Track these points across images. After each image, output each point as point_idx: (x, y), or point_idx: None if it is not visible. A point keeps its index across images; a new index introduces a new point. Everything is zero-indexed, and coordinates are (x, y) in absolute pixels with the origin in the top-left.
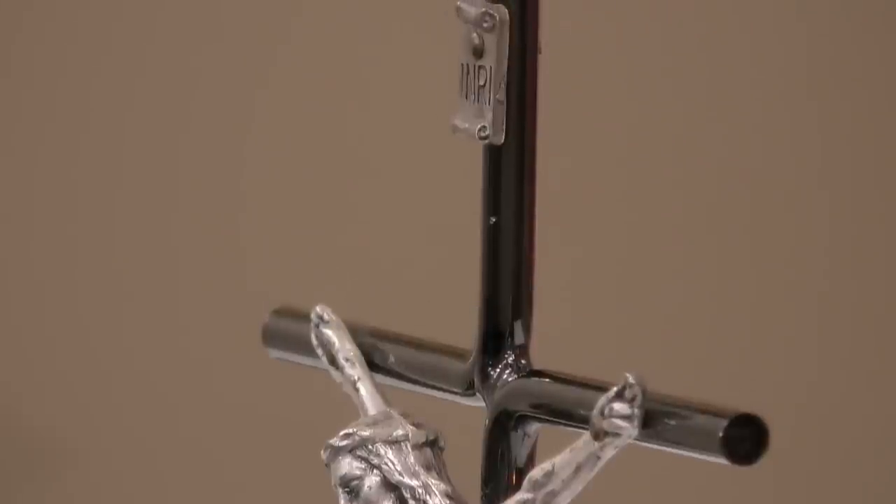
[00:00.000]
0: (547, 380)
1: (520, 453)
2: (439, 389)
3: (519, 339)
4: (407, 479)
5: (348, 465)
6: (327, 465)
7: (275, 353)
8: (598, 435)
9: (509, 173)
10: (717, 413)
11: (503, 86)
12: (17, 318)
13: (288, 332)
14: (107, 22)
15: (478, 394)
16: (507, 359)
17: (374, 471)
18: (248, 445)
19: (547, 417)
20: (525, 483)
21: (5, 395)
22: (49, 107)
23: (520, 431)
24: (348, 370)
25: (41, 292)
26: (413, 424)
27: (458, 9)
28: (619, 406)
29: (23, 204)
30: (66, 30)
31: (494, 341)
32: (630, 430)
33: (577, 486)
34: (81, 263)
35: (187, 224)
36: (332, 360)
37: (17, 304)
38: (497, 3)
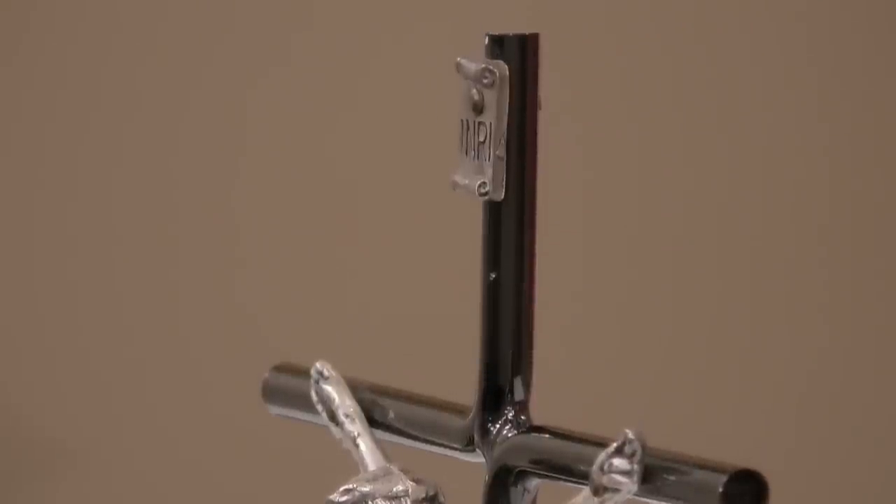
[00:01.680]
0: (547, 435)
1: None
2: (439, 445)
3: (519, 395)
4: None
5: None
6: None
7: (275, 410)
8: (598, 490)
9: (509, 229)
10: (716, 469)
11: (503, 142)
12: (17, 319)
13: (288, 388)
14: (96, 39)
15: (478, 450)
16: (506, 415)
17: None
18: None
19: (547, 473)
20: None
21: (5, 395)
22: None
23: (520, 487)
24: (348, 426)
25: (42, 296)
26: (413, 480)
27: (458, 65)
28: (618, 462)
29: (24, 205)
30: (61, 34)
31: (494, 397)
32: (630, 485)
33: None
34: (82, 275)
35: (189, 282)
36: (332, 416)
37: (17, 304)
38: (497, 59)
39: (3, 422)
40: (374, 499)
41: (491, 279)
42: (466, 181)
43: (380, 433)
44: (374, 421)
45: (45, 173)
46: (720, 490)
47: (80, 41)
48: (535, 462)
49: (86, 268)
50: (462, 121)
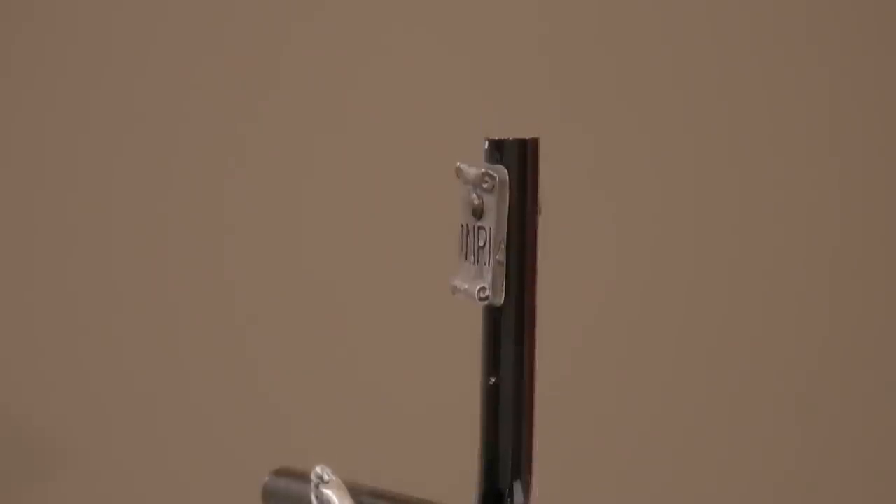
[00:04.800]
0: None
1: None
2: None
3: (518, 499)
4: None
5: None
6: None
7: None
8: None
9: (509, 334)
10: None
11: (503, 246)
12: (17, 319)
13: (288, 492)
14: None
15: None
16: None
17: None
18: None
19: None
20: None
21: (5, 395)
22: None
23: None
24: None
25: (42, 296)
26: None
27: (458, 169)
28: None
29: (24, 208)
30: (61, 34)
31: (493, 501)
32: None
33: None
34: (81, 278)
35: (188, 283)
36: None
37: (18, 304)
38: (496, 163)
39: (2, 422)
40: None
41: (490, 383)
42: (466, 286)
43: None
44: None
45: (44, 175)
46: None
47: (78, 41)
48: None
49: (86, 270)
50: (462, 225)
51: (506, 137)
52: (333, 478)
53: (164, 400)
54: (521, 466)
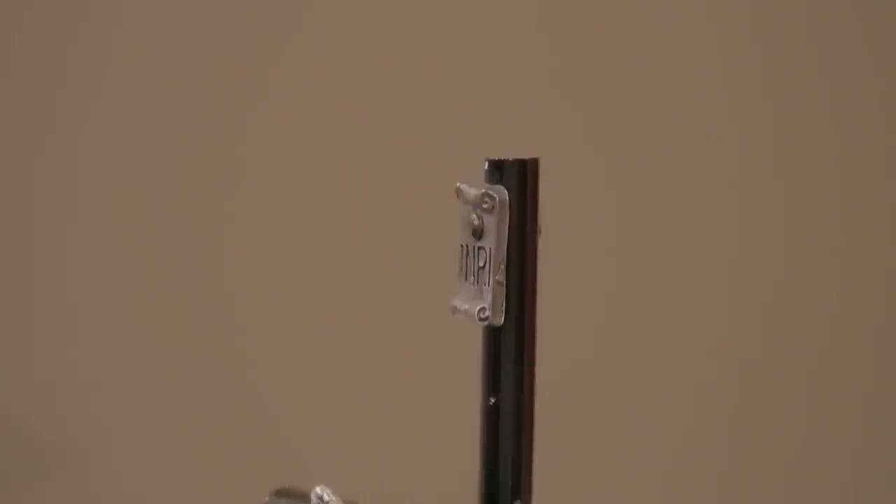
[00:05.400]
0: None
1: None
2: None
3: None
4: None
5: None
6: None
7: None
8: None
9: (509, 354)
10: None
11: (503, 267)
12: (17, 319)
13: None
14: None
15: None
16: None
17: None
18: None
19: None
20: None
21: (5, 395)
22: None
23: None
24: None
25: (42, 297)
26: None
27: (458, 189)
28: None
29: (24, 209)
30: (60, 34)
31: None
32: None
33: None
34: (81, 280)
35: (186, 286)
36: None
37: (18, 305)
38: (496, 183)
39: (2, 422)
40: None
41: (491, 403)
42: (466, 306)
43: None
44: None
45: (44, 176)
46: None
47: (77, 42)
48: None
49: (85, 271)
50: (462, 246)
51: (506, 158)
52: (333, 498)
53: (163, 400)
54: (521, 486)
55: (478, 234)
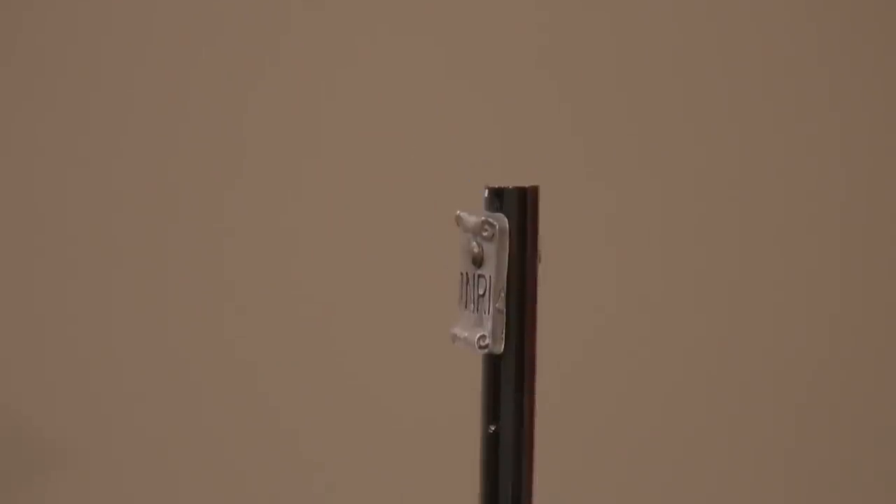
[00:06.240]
0: None
1: None
2: None
3: None
4: None
5: None
6: None
7: None
8: None
9: (509, 382)
10: None
11: (503, 295)
12: (17, 320)
13: None
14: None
15: None
16: None
17: None
18: None
19: None
20: None
21: (5, 395)
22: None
23: None
24: None
25: (42, 297)
26: None
27: (458, 217)
28: None
29: (25, 209)
30: (59, 34)
31: None
32: None
33: None
34: (81, 280)
35: (185, 286)
36: None
37: (18, 305)
38: (496, 211)
39: (2, 422)
40: None
41: (490, 431)
42: (466, 334)
43: None
44: None
45: (44, 176)
46: None
47: (77, 43)
48: None
49: (85, 271)
50: (462, 273)
51: (505, 185)
52: None
53: (163, 400)
54: None
55: (478, 261)
